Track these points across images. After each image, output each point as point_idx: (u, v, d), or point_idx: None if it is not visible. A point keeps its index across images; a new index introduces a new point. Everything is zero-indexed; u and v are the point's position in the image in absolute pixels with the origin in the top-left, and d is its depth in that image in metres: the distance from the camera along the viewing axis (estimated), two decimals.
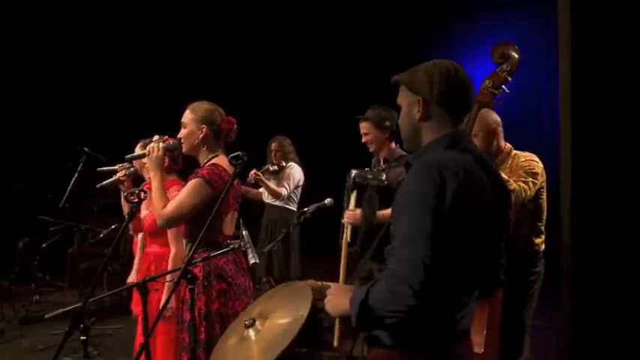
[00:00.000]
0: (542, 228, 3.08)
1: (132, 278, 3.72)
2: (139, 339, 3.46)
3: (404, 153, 3.63)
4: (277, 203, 5.14)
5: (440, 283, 1.49)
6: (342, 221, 3.49)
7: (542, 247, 3.06)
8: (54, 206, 6.01)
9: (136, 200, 2.08)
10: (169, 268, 3.16)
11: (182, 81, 8.34)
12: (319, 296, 1.96)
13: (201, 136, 2.83)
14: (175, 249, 3.23)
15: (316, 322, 1.87)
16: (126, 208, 3.52)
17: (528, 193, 2.86)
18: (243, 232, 2.47)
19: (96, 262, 6.29)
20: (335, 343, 1.82)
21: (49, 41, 7.70)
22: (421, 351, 1.62)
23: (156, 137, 3.90)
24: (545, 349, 3.45)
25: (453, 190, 1.52)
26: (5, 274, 5.94)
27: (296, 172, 5.10)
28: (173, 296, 2.91)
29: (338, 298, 1.74)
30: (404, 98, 1.83)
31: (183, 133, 2.87)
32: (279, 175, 5.10)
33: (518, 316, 2.93)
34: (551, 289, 3.17)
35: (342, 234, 3.68)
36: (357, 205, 3.40)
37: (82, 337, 1.99)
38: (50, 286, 6.98)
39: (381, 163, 3.72)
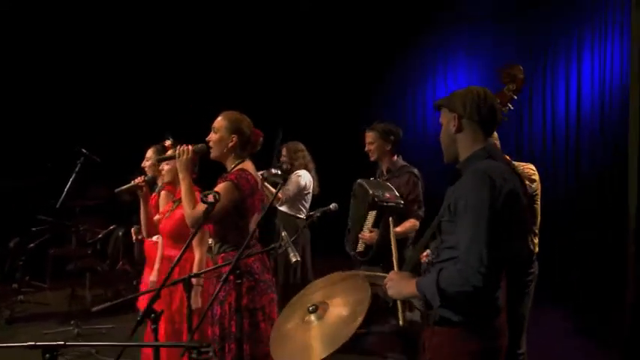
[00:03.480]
0: (537, 231, 3.40)
1: (154, 278, 3.79)
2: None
3: (405, 164, 4.00)
4: (284, 209, 5.02)
5: (497, 269, 1.90)
6: (361, 240, 3.76)
7: (536, 249, 3.39)
8: (40, 205, 6.07)
9: (211, 201, 2.25)
10: (195, 271, 3.27)
11: (180, 83, 8.48)
12: (373, 283, 2.25)
13: (230, 144, 2.98)
14: (200, 253, 3.36)
15: (373, 306, 2.13)
16: (142, 212, 3.64)
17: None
18: (283, 233, 2.68)
19: (83, 263, 6.31)
20: (401, 323, 2.14)
21: (42, 40, 7.71)
22: (478, 325, 2.01)
23: (168, 142, 4.08)
24: (535, 344, 3.76)
25: (504, 194, 1.93)
26: None
27: (301, 180, 5.00)
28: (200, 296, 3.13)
29: (401, 284, 2.12)
30: (444, 117, 2.25)
31: (213, 137, 3.00)
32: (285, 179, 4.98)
33: (517, 313, 3.23)
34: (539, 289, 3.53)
35: (351, 238, 3.94)
36: (375, 225, 3.68)
37: (152, 326, 2.12)
38: (30, 287, 6.96)
39: (385, 173, 4.01)
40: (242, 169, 2.96)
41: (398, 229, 3.63)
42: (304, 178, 4.99)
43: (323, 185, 5.32)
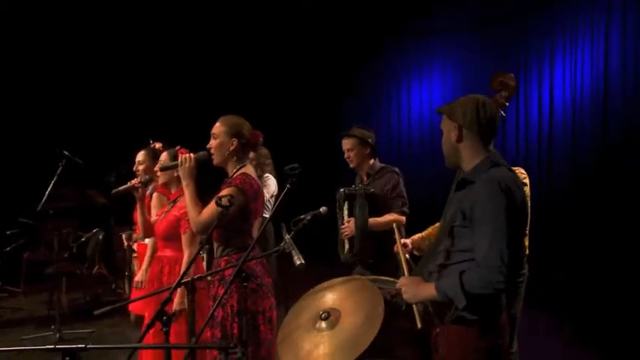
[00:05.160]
0: (526, 232, 3.48)
1: (140, 278, 3.74)
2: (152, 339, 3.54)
3: (384, 165, 3.98)
4: None
5: (513, 270, 2.02)
6: (342, 236, 3.79)
7: (527, 251, 3.49)
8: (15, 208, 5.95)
9: (227, 204, 2.27)
10: (182, 270, 3.26)
11: (165, 85, 8.47)
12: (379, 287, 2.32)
13: (231, 148, 3.00)
14: (189, 252, 3.35)
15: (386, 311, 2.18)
16: (139, 213, 3.61)
17: None
18: (286, 236, 2.70)
19: (60, 267, 6.18)
20: (419, 325, 2.17)
21: (31, 43, 7.65)
22: (487, 323, 2.12)
23: (158, 145, 4.07)
24: (526, 344, 3.87)
25: (519, 200, 2.06)
26: None
27: (272, 183, 5.10)
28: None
29: (416, 287, 2.19)
30: (444, 125, 2.31)
31: (213, 143, 3.02)
32: None
33: (509, 313, 3.31)
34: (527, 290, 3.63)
35: (344, 244, 3.96)
36: (350, 214, 3.73)
37: (163, 329, 2.12)
38: (3, 292, 6.82)
39: (365, 179, 3.97)
40: (245, 174, 2.98)
41: (379, 219, 3.70)
42: (273, 182, 5.04)
43: (301, 193, 5.38)
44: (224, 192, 2.85)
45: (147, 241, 3.84)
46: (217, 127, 3.04)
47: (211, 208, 2.87)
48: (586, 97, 7.00)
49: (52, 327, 5.27)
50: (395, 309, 2.35)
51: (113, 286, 6.87)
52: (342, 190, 3.82)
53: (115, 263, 6.65)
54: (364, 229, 3.70)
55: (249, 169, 3.05)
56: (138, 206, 3.60)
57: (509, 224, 2.00)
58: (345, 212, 3.78)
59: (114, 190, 3.55)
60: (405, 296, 2.20)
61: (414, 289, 2.19)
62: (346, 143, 3.93)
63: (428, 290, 2.13)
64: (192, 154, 3.00)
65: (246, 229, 2.98)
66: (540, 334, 5.18)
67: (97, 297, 6.59)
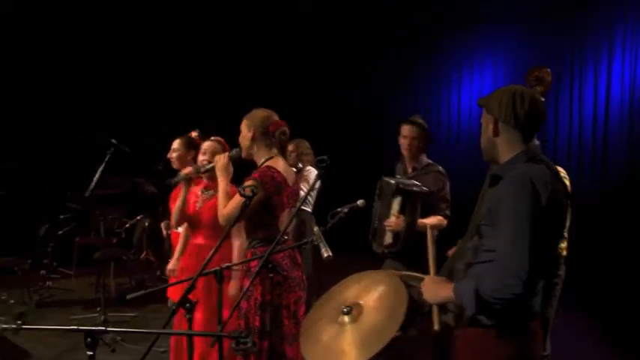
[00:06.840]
0: (565, 234, 3.35)
1: (173, 266, 3.81)
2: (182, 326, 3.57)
3: (430, 162, 3.83)
4: None
5: (535, 275, 1.85)
6: (387, 229, 3.64)
7: (565, 252, 3.37)
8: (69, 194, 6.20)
9: (249, 194, 2.29)
10: (234, 259, 3.33)
11: (194, 78, 8.66)
12: (408, 284, 2.25)
13: (250, 136, 3.03)
14: (239, 241, 3.41)
15: (408, 310, 2.13)
16: (181, 201, 3.68)
17: None
18: (315, 228, 2.69)
19: (108, 252, 6.38)
20: (436, 327, 2.07)
21: (55, 40, 7.88)
22: (510, 328, 1.98)
23: (194, 134, 4.13)
24: (560, 346, 3.76)
25: (545, 199, 1.89)
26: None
27: (313, 176, 5.04)
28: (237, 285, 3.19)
29: (437, 288, 2.10)
30: (484, 117, 2.17)
31: (240, 137, 3.11)
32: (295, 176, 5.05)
33: (542, 315, 3.21)
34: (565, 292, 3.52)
35: (377, 236, 3.88)
36: (402, 210, 3.58)
37: (187, 316, 2.17)
38: (57, 273, 7.11)
39: (410, 171, 3.85)
40: (268, 167, 2.97)
41: (426, 220, 3.56)
42: (314, 174, 4.95)
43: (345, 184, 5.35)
44: (245, 184, 2.87)
45: (180, 229, 3.91)
46: (242, 122, 3.10)
47: (235, 200, 2.90)
48: None
49: (98, 309, 5.47)
50: (420, 309, 2.29)
51: (158, 272, 7.05)
52: (393, 181, 3.62)
53: (163, 250, 6.83)
54: (413, 229, 3.58)
55: (277, 162, 3.02)
56: (182, 194, 3.62)
57: (534, 225, 1.85)
58: (396, 207, 3.62)
59: (171, 180, 3.59)
60: (424, 296, 2.11)
61: (434, 289, 2.09)
62: (406, 129, 3.76)
63: (447, 291, 2.02)
64: (226, 154, 3.11)
65: (270, 222, 2.99)
66: (579, 336, 5.04)
67: (142, 282, 6.80)
